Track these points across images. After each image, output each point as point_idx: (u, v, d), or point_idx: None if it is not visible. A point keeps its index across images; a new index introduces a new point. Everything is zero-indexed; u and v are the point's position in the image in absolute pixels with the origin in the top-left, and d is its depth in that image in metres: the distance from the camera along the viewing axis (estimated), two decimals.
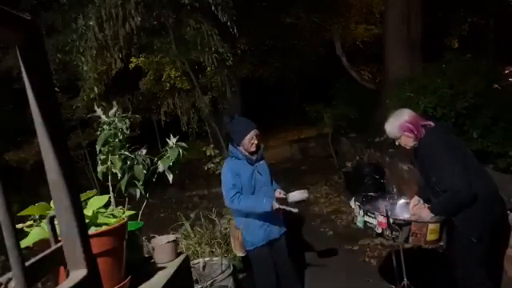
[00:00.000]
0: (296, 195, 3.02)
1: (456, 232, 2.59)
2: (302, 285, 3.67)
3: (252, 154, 3.06)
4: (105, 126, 2.14)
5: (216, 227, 4.26)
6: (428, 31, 8.92)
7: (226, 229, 4.25)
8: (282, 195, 3.03)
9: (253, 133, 3.00)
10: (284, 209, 2.95)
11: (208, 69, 7.94)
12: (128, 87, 10.40)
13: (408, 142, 2.71)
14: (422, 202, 2.84)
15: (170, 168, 2.27)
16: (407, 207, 2.99)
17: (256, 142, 3.03)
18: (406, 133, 2.67)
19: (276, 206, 2.92)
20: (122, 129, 2.13)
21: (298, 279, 3.54)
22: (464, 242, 2.54)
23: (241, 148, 3.04)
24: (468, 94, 4.48)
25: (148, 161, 2.20)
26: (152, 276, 1.62)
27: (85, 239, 0.76)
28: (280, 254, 3.24)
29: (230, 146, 3.11)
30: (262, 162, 3.16)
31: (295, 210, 2.93)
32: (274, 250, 3.21)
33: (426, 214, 2.63)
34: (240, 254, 3.24)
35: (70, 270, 0.76)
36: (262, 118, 3.88)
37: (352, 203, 2.92)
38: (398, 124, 2.69)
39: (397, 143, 2.80)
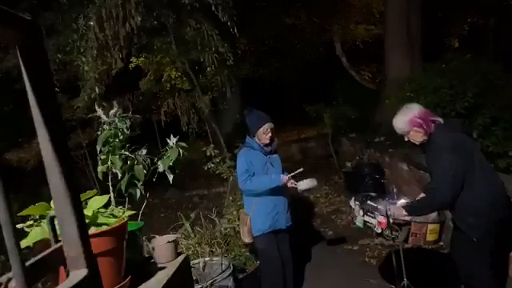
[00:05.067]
0: (304, 184, 3.18)
1: (457, 232, 2.58)
2: (301, 282, 3.71)
3: (266, 145, 3.26)
4: (105, 126, 2.14)
5: (216, 227, 4.26)
6: (428, 31, 8.90)
7: (226, 229, 4.25)
8: (292, 184, 3.18)
9: (267, 126, 3.21)
10: (293, 183, 3.16)
11: (208, 69, 7.93)
12: (128, 87, 10.38)
13: (417, 137, 2.66)
14: None
15: (170, 168, 2.27)
16: None
17: (270, 134, 3.23)
18: (415, 128, 2.61)
19: (285, 178, 3.14)
20: (122, 129, 2.13)
21: (299, 276, 3.58)
22: (464, 242, 2.54)
23: (256, 139, 3.24)
24: (468, 94, 4.47)
25: (148, 161, 2.20)
26: (152, 276, 1.62)
27: (85, 239, 0.76)
28: (283, 248, 3.35)
29: (247, 137, 3.33)
30: (275, 156, 3.37)
31: (303, 187, 3.15)
32: (278, 242, 3.32)
33: (399, 212, 2.65)
34: (247, 240, 3.39)
35: (70, 269, 0.76)
36: None
37: (352, 203, 2.92)
38: (408, 119, 2.63)
39: (406, 139, 2.74)
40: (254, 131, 3.25)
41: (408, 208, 2.66)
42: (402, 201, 3.00)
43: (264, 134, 3.21)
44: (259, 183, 3.17)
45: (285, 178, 3.16)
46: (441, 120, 2.66)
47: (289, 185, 3.16)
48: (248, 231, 3.30)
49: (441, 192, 2.50)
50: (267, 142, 3.24)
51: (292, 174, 3.23)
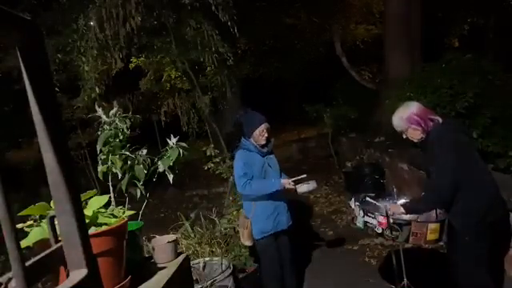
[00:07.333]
0: (304, 187, 3.11)
1: (454, 231, 2.58)
2: (301, 282, 3.71)
3: (262, 146, 3.19)
4: (105, 126, 2.14)
5: (216, 227, 4.26)
6: (428, 31, 8.90)
7: (226, 229, 4.25)
8: (291, 185, 3.13)
9: (263, 126, 3.14)
10: (294, 187, 3.10)
11: (208, 69, 7.93)
12: (128, 87, 10.39)
13: (415, 134, 2.66)
14: None
15: (170, 168, 2.27)
16: None
17: (266, 135, 3.16)
18: (413, 125, 2.62)
19: (285, 182, 3.08)
20: (122, 129, 2.13)
21: (299, 276, 3.58)
22: (461, 242, 2.54)
23: (252, 140, 3.17)
24: (468, 94, 4.47)
25: (148, 161, 2.20)
26: (152, 276, 1.63)
27: (85, 239, 0.76)
28: (284, 248, 3.33)
29: (243, 139, 3.24)
30: (271, 156, 3.30)
31: (303, 190, 3.08)
32: (279, 243, 3.29)
33: (397, 209, 2.65)
34: (248, 243, 3.34)
35: (70, 269, 0.76)
36: None
37: (352, 203, 2.91)
38: (406, 116, 2.64)
39: (404, 136, 2.75)
40: (249, 132, 3.17)
41: (407, 206, 2.66)
42: (402, 200, 3.00)
43: (260, 135, 3.14)
44: (259, 188, 3.12)
45: (285, 181, 3.11)
46: (439, 119, 2.66)
47: (287, 186, 3.11)
48: (248, 235, 3.24)
49: (441, 190, 2.50)
50: (264, 142, 3.17)
51: (294, 178, 3.16)
